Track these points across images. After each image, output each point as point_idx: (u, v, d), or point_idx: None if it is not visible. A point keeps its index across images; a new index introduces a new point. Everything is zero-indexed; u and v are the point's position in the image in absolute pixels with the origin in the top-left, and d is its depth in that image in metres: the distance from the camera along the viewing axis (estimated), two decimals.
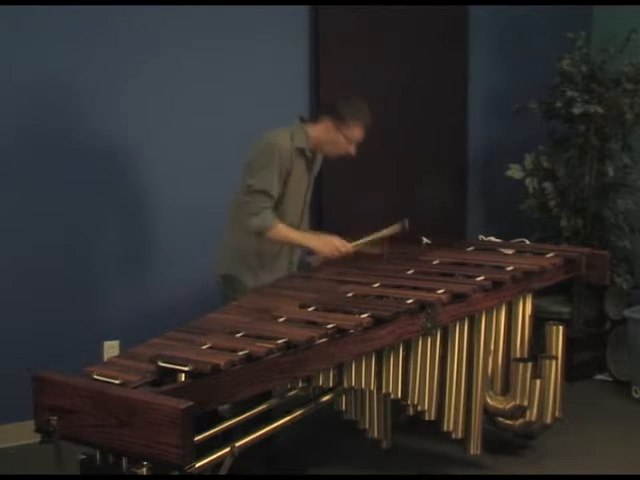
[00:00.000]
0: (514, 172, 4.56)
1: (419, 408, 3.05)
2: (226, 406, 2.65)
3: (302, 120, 3.29)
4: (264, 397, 2.85)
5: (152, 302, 3.83)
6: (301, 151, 3.23)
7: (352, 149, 3.29)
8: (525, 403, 3.30)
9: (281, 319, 2.65)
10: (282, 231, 3.17)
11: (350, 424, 3.47)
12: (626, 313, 4.29)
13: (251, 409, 2.78)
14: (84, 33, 3.63)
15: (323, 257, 3.22)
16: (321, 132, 3.25)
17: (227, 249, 3.29)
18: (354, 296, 2.92)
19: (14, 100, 3.51)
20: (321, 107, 3.32)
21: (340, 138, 3.23)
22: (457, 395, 3.14)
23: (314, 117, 3.29)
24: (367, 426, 3.43)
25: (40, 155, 3.60)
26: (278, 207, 3.21)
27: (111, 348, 3.75)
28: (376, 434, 3.43)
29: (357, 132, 3.24)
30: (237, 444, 2.52)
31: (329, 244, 3.20)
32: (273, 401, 2.94)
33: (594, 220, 4.64)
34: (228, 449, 2.48)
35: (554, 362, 3.36)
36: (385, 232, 3.40)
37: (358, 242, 3.30)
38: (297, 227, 3.30)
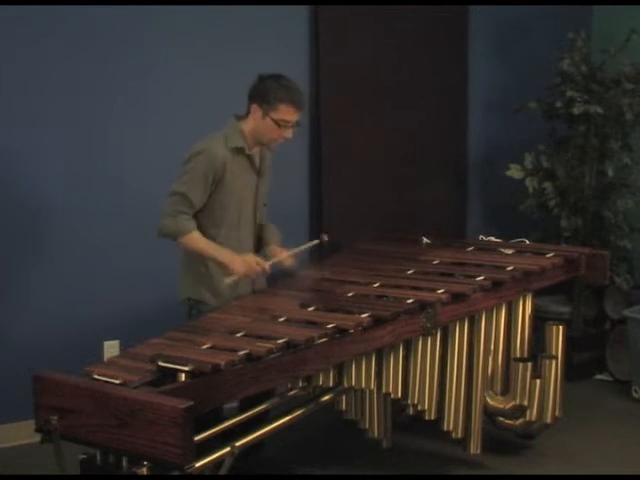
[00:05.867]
0: (514, 172, 4.56)
1: (419, 408, 3.05)
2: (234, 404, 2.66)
3: (238, 118, 3.04)
4: (265, 397, 2.84)
5: (152, 302, 3.83)
6: (239, 150, 2.98)
7: (288, 133, 2.98)
8: (525, 403, 3.29)
9: (281, 319, 2.65)
10: (195, 240, 2.92)
11: (350, 424, 3.47)
12: (626, 313, 4.29)
13: (250, 409, 2.77)
14: None
15: (239, 276, 2.91)
16: (252, 122, 2.98)
17: (184, 271, 3.09)
18: (354, 296, 2.92)
19: None
20: (249, 92, 3.00)
21: (270, 124, 2.94)
22: (457, 395, 3.14)
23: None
24: (367, 426, 3.43)
25: None
26: (217, 212, 2.98)
27: (111, 348, 3.75)
28: (376, 434, 3.43)
29: (286, 113, 2.93)
30: (237, 444, 2.52)
31: (244, 263, 2.89)
32: (274, 401, 2.94)
33: (594, 220, 4.64)
34: (228, 449, 2.48)
35: (554, 362, 3.36)
36: (303, 247, 3.21)
37: (275, 260, 3.05)
38: (249, 232, 3.09)
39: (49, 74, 3.59)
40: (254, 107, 2.97)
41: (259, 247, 3.18)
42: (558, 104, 4.54)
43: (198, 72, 3.92)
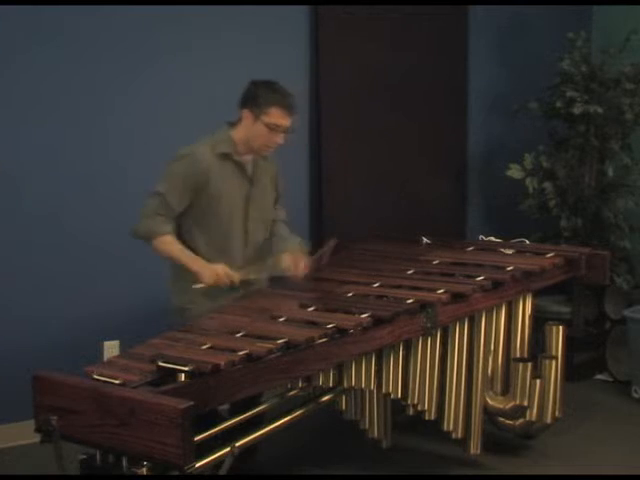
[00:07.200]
0: (514, 172, 4.56)
1: (419, 408, 3.05)
2: (225, 406, 2.65)
3: (230, 125, 2.98)
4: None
5: (152, 302, 3.83)
6: (226, 156, 2.92)
7: (279, 138, 2.92)
8: (525, 403, 3.29)
9: (281, 319, 2.65)
10: (168, 244, 2.85)
11: (350, 424, 3.47)
12: (626, 313, 4.29)
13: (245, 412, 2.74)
14: None
15: (206, 284, 2.83)
16: (244, 129, 2.93)
17: (173, 278, 3.01)
18: (354, 296, 2.92)
19: None
20: (241, 97, 2.95)
21: (261, 129, 2.88)
22: (457, 395, 3.14)
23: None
24: (367, 426, 3.43)
25: None
26: (204, 219, 2.92)
27: (111, 348, 3.75)
28: (376, 434, 3.43)
29: (276, 116, 2.87)
30: (237, 444, 2.52)
31: (214, 273, 2.82)
32: (274, 401, 2.94)
33: (594, 220, 4.64)
34: (228, 449, 2.48)
35: (554, 362, 3.36)
36: (275, 270, 3.04)
37: (247, 273, 2.95)
38: (240, 244, 2.99)
39: (48, 74, 3.59)
40: (245, 112, 2.92)
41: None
42: (558, 104, 4.54)
43: (198, 72, 3.92)
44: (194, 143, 2.95)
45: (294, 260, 3.04)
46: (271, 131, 2.89)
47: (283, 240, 3.14)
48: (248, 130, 2.92)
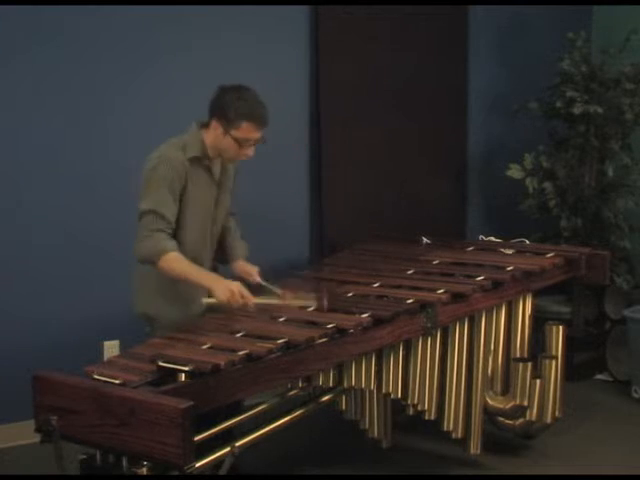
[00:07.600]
0: (514, 172, 4.55)
1: (419, 408, 3.05)
2: None
3: (201, 126, 2.84)
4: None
5: None
6: (197, 160, 2.78)
7: (249, 151, 2.79)
8: (525, 403, 3.29)
9: (281, 319, 2.65)
10: (175, 261, 2.66)
11: (350, 424, 3.47)
12: (626, 313, 4.28)
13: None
14: None
15: (220, 302, 2.64)
16: (213, 137, 2.79)
17: (139, 283, 2.91)
18: (354, 296, 2.92)
19: None
20: (210, 105, 2.82)
21: (231, 143, 2.74)
22: (457, 395, 3.14)
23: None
24: (367, 426, 3.43)
25: None
26: (178, 229, 2.79)
27: (111, 348, 3.75)
28: (376, 434, 3.43)
29: (248, 132, 2.73)
30: (237, 444, 2.52)
31: (228, 290, 2.61)
32: (274, 401, 2.94)
33: (594, 220, 4.63)
34: (228, 449, 2.48)
35: (554, 362, 3.36)
36: (298, 302, 2.78)
37: (264, 300, 2.74)
38: (208, 249, 2.91)
39: (48, 74, 3.59)
40: (214, 123, 2.77)
41: (222, 260, 3.04)
42: (558, 104, 4.54)
43: (198, 72, 3.91)
44: (161, 146, 2.81)
45: (247, 269, 2.99)
46: (241, 145, 2.76)
47: (235, 242, 3.08)
48: (218, 141, 2.78)
